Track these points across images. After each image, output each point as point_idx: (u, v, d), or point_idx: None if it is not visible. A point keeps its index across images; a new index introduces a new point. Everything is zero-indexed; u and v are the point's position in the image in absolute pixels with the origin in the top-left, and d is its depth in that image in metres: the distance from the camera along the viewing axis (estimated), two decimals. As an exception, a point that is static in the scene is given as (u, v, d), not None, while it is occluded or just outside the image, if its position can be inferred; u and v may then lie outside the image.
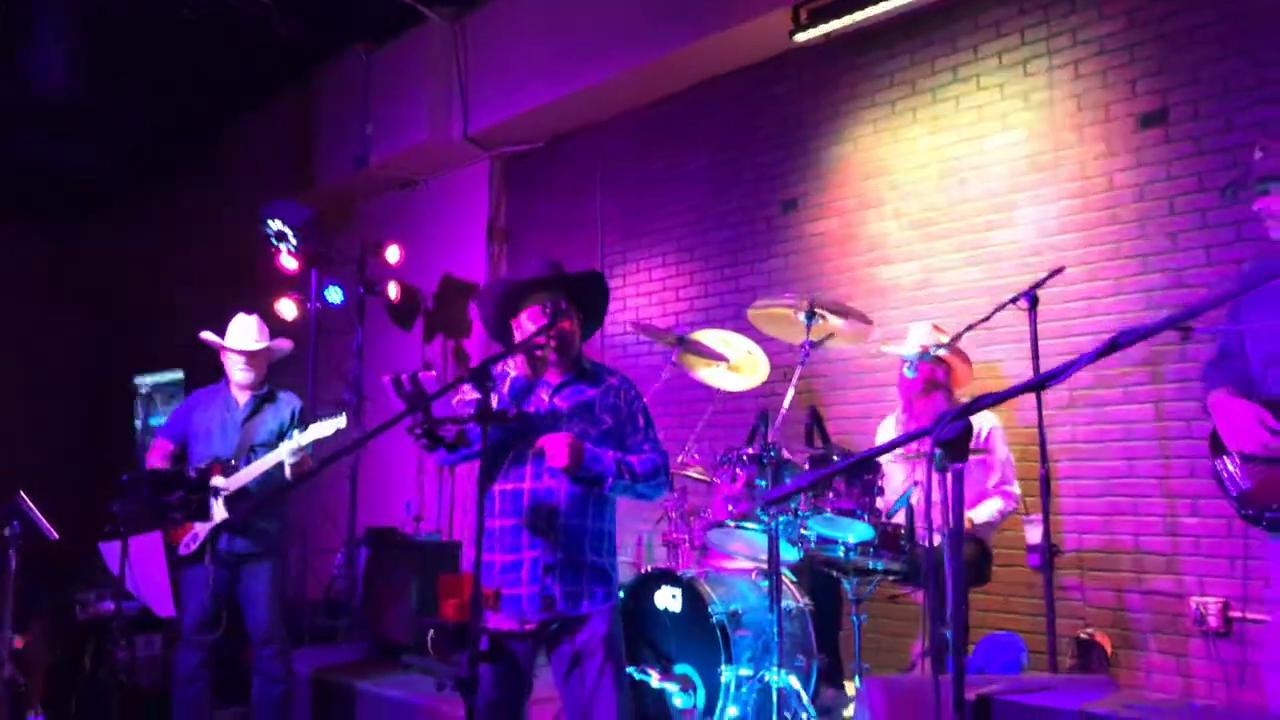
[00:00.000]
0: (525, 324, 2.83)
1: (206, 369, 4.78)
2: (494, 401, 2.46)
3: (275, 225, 6.15)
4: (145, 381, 9.35)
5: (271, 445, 4.18)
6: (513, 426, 2.65)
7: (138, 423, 9.41)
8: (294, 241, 6.20)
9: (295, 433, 4.13)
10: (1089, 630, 3.97)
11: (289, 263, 6.35)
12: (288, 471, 4.08)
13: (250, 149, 8.47)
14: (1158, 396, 4.05)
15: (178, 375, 8.85)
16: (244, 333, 4.35)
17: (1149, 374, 4.08)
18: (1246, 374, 2.73)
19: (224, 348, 4.34)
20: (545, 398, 2.79)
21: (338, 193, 7.68)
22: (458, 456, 2.64)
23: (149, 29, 6.58)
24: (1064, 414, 4.25)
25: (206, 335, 4.41)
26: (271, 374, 4.50)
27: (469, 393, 2.62)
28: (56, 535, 4.20)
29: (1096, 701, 1.70)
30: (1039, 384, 1.39)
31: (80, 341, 9.92)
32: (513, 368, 2.72)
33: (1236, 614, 3.71)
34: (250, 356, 4.31)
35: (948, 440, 1.37)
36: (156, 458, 4.28)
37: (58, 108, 7.46)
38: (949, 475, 3.46)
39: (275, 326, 6.53)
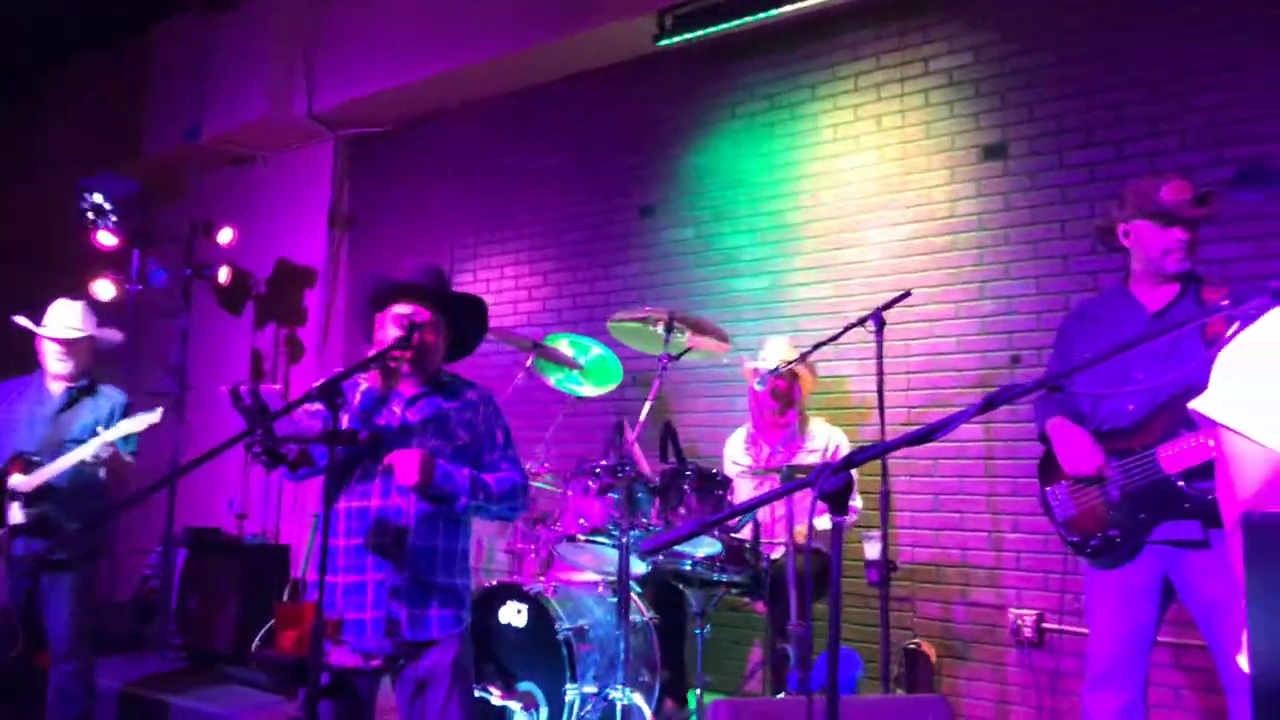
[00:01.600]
0: (387, 326, 2.68)
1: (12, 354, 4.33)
2: (343, 417, 2.31)
3: (94, 198, 5.65)
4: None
5: (84, 442, 3.83)
6: (358, 446, 2.50)
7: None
8: (115, 217, 5.70)
9: (99, 429, 3.80)
10: (916, 641, 4.14)
11: (108, 239, 5.85)
12: (102, 471, 3.75)
13: (74, 108, 7.76)
14: (987, 418, 4.26)
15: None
16: (62, 319, 3.97)
17: (980, 395, 4.27)
18: (1075, 409, 2.89)
19: (38, 334, 3.95)
20: (397, 411, 2.65)
21: (167, 165, 7.13)
22: (300, 475, 2.47)
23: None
24: (902, 431, 4.39)
25: (20, 320, 4.00)
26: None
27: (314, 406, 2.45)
28: None
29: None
30: (926, 436, 1.39)
31: None
32: (364, 379, 2.56)
33: (1050, 625, 3.95)
34: (68, 345, 3.94)
35: (829, 493, 1.36)
36: None
37: None
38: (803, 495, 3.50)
39: (91, 308, 6.08)
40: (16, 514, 3.68)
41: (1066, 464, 2.79)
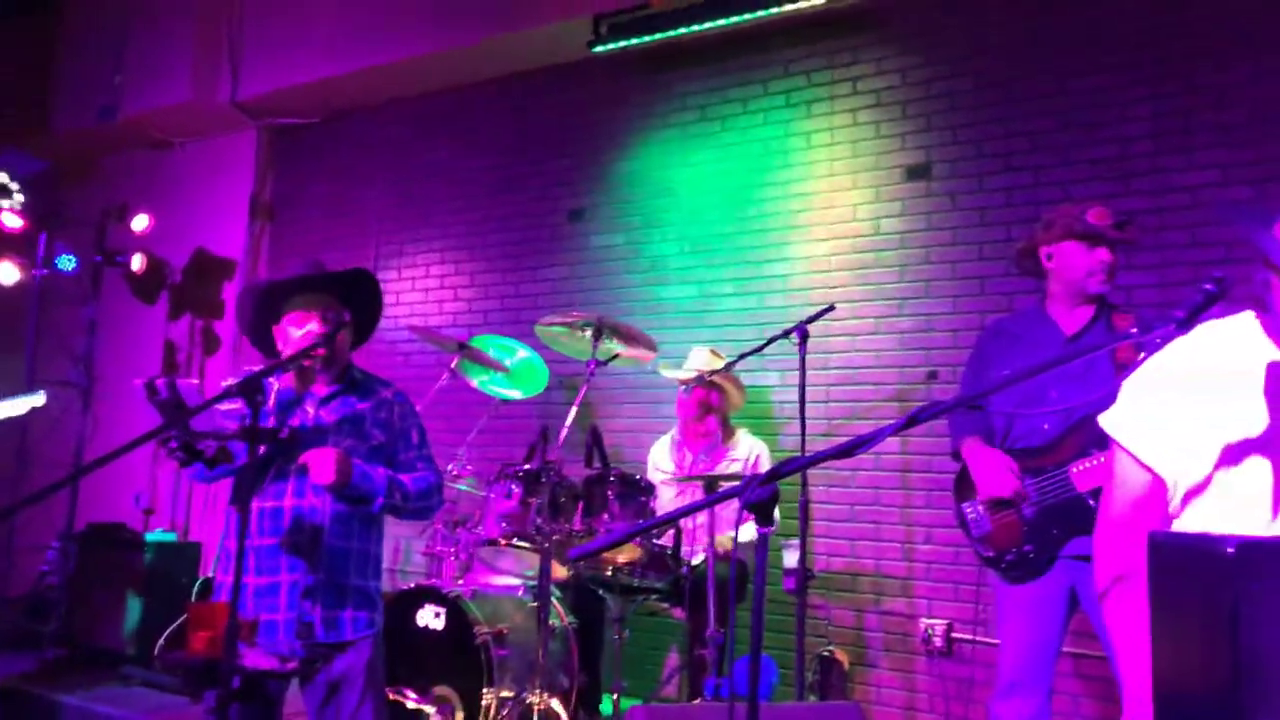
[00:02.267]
0: (290, 330, 2.62)
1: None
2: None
3: (-1, 177, 5.42)
4: None
5: None
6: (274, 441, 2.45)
7: None
8: (21, 197, 5.47)
9: None
10: (830, 648, 4.21)
11: (12, 221, 5.61)
12: None
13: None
14: (905, 433, 4.36)
15: None
16: None
17: (897, 409, 4.39)
18: (989, 425, 2.98)
19: None
20: (311, 410, 2.60)
21: (78, 144, 6.85)
22: (217, 473, 2.41)
23: None
24: (821, 442, 4.48)
25: None
26: None
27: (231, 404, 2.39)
28: None
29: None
30: (848, 450, 1.42)
31: None
32: (276, 380, 2.51)
33: (959, 635, 4.06)
34: None
35: (756, 503, 1.38)
36: None
37: None
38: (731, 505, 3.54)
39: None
40: None
41: (983, 487, 2.86)
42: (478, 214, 5.72)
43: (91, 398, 5.71)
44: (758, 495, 1.39)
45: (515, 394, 4.60)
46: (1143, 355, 1.63)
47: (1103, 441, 2.65)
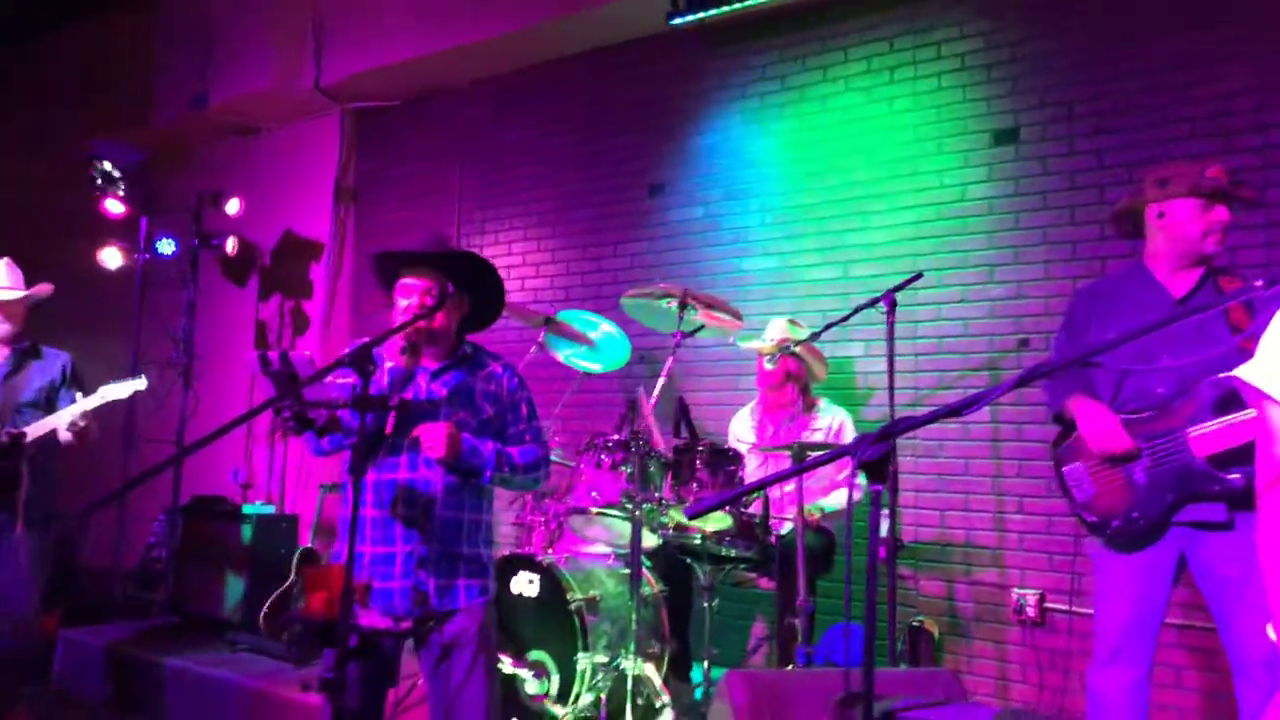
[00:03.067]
0: (398, 301, 2.70)
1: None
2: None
3: (103, 166, 5.63)
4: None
5: (39, 405, 3.82)
6: (386, 414, 2.53)
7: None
8: (123, 186, 5.69)
9: (78, 394, 3.77)
10: (919, 619, 4.20)
11: (116, 208, 5.84)
12: (62, 434, 3.69)
13: (83, 72, 7.72)
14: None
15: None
16: None
17: (986, 378, 4.33)
18: (1092, 389, 2.90)
19: None
20: (423, 384, 2.68)
21: (173, 134, 7.10)
22: (329, 445, 2.50)
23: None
24: (908, 413, 4.44)
25: None
26: (40, 324, 4.04)
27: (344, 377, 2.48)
28: None
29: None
30: (959, 409, 1.42)
31: None
32: (389, 358, 2.59)
33: (1052, 605, 4.01)
34: (4, 307, 3.84)
35: (869, 461, 1.39)
36: None
37: None
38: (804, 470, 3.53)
39: (98, 276, 6.08)
40: None
41: (1094, 443, 2.77)
42: (558, 190, 5.77)
43: (191, 376, 5.94)
44: (871, 453, 1.41)
45: (598, 368, 4.66)
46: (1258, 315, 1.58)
47: (1222, 406, 2.59)
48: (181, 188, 6.52)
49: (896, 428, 1.45)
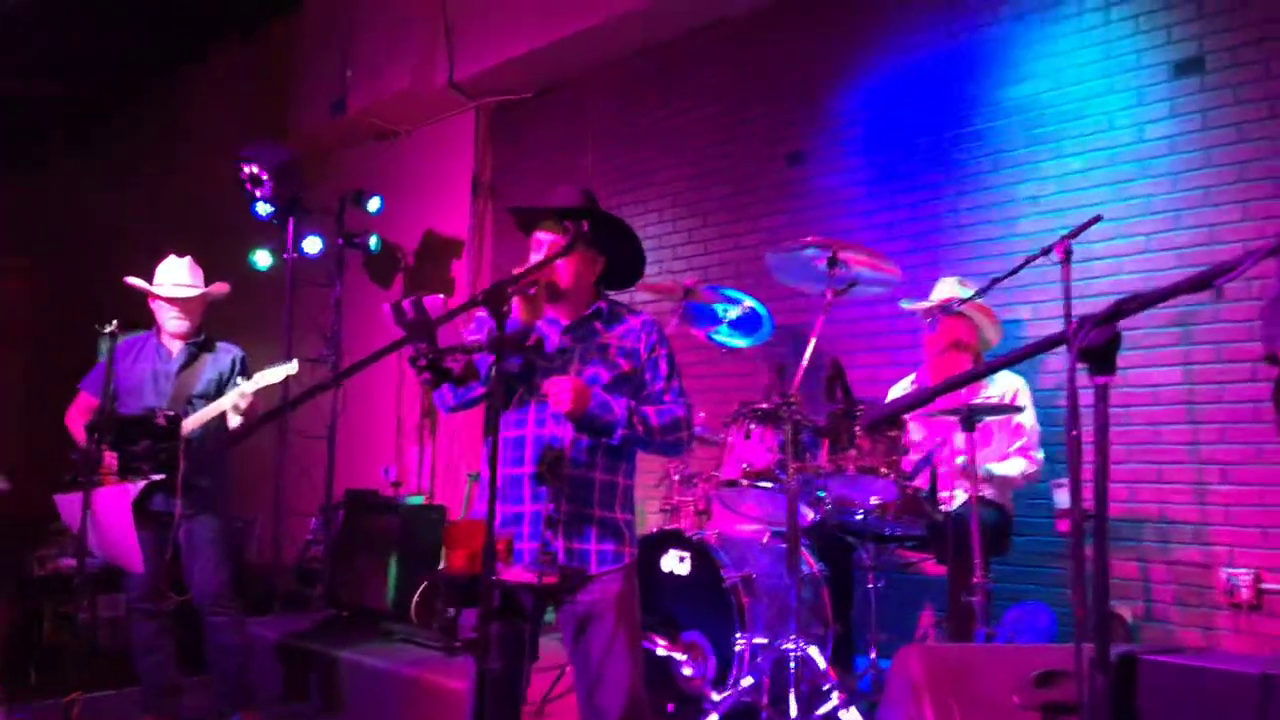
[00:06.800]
0: (531, 257, 2.58)
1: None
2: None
3: (251, 169, 5.81)
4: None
5: (209, 397, 3.90)
6: (514, 369, 2.41)
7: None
8: (271, 188, 5.85)
9: (239, 380, 3.86)
10: (1111, 601, 3.78)
11: (264, 209, 6.01)
12: (231, 422, 3.78)
13: (229, 85, 8.09)
14: (1185, 359, 3.87)
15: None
16: (176, 278, 4.00)
17: (1177, 335, 3.89)
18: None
19: (154, 295, 3.99)
20: (554, 337, 2.55)
21: (314, 141, 7.31)
22: (464, 396, 2.39)
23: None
24: (1085, 378, 4.04)
25: (133, 281, 4.04)
26: (211, 321, 4.17)
27: (476, 330, 2.37)
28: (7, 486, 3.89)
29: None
30: (1204, 282, 1.15)
31: (35, 289, 9.44)
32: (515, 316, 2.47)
33: (1269, 585, 3.54)
34: (184, 304, 3.97)
35: (1092, 347, 1.13)
36: (78, 413, 3.91)
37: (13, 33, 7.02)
38: (975, 433, 3.23)
39: (249, 276, 6.27)
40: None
41: None
42: (691, 169, 5.60)
43: (339, 371, 6.04)
44: (1093, 339, 1.15)
45: (740, 344, 4.45)
46: None
47: None
48: (325, 192, 6.68)
49: (1126, 306, 1.19)
